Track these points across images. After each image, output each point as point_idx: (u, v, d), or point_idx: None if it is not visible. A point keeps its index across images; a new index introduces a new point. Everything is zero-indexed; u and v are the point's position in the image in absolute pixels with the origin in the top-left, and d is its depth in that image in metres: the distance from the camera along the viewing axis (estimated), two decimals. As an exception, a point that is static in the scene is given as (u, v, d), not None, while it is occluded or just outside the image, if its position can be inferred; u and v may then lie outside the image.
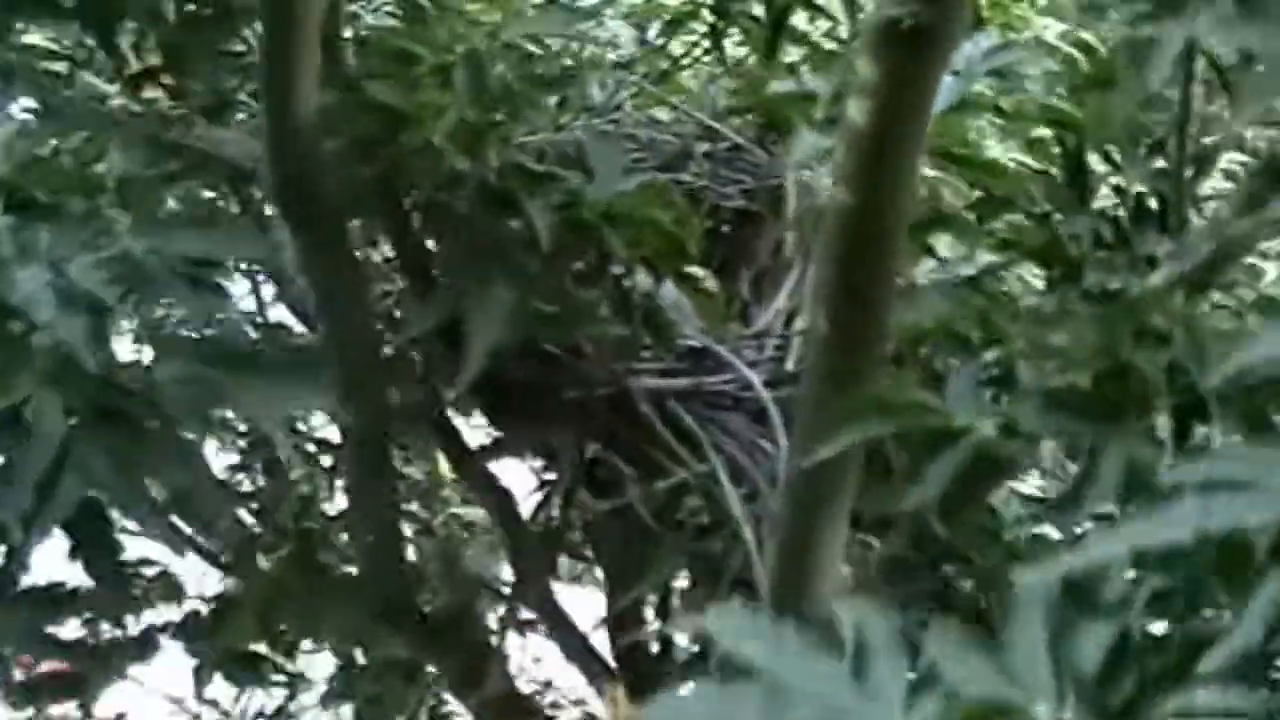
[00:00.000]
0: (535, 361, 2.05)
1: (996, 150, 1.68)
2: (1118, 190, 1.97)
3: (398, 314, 2.33)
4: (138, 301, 1.52)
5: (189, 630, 2.25)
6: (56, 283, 1.45)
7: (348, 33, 2.19)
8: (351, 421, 2.08)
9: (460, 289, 1.87)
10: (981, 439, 1.42)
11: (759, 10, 2.60)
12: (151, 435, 1.52)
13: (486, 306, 1.82)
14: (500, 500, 2.44)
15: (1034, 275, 2.00)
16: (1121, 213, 1.91)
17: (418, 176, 1.98)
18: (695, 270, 2.04)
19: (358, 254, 2.22)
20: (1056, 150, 1.90)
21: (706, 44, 2.69)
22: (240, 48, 2.22)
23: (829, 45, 2.63)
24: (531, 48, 2.24)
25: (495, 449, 2.42)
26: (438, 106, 1.90)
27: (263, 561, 2.22)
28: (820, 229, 1.54)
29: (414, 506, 3.15)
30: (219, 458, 2.44)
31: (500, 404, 2.23)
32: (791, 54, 2.66)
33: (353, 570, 2.37)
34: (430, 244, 2.20)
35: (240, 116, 2.32)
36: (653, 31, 2.83)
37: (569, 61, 2.45)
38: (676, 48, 2.83)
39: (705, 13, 2.69)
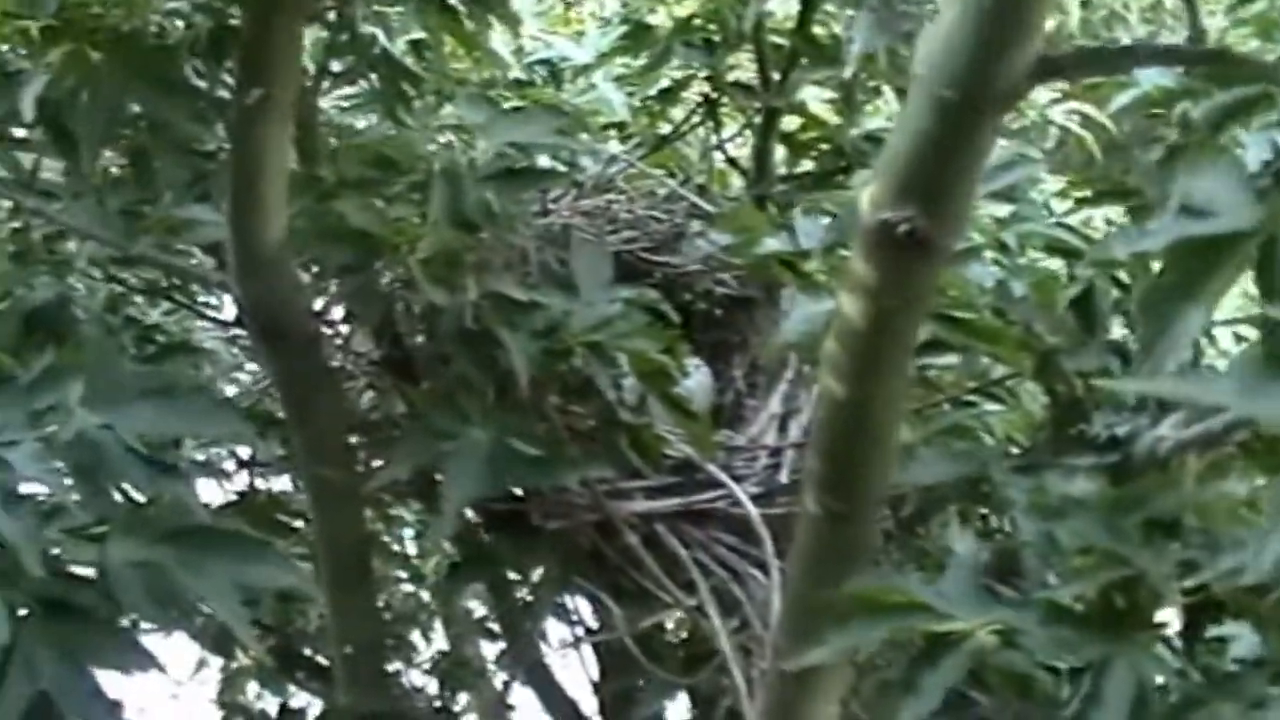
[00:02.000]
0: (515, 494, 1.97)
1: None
2: (1127, 315, 1.88)
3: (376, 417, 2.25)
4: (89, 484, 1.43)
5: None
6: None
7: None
8: (325, 546, 2.01)
9: (435, 430, 1.78)
10: (981, 646, 1.34)
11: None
12: (103, 625, 1.44)
13: (462, 454, 1.73)
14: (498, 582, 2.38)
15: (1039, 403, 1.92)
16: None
17: (394, 302, 1.89)
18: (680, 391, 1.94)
19: (333, 364, 2.14)
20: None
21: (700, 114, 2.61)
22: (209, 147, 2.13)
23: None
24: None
25: (493, 559, 2.33)
26: (414, 233, 1.81)
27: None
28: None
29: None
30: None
31: (487, 520, 2.15)
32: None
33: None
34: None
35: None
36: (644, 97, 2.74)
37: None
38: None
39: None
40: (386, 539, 3.02)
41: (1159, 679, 1.30)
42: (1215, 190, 1.03)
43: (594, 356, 1.86)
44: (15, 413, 1.45)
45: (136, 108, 1.93)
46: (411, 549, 3.28)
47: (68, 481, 1.43)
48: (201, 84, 1.96)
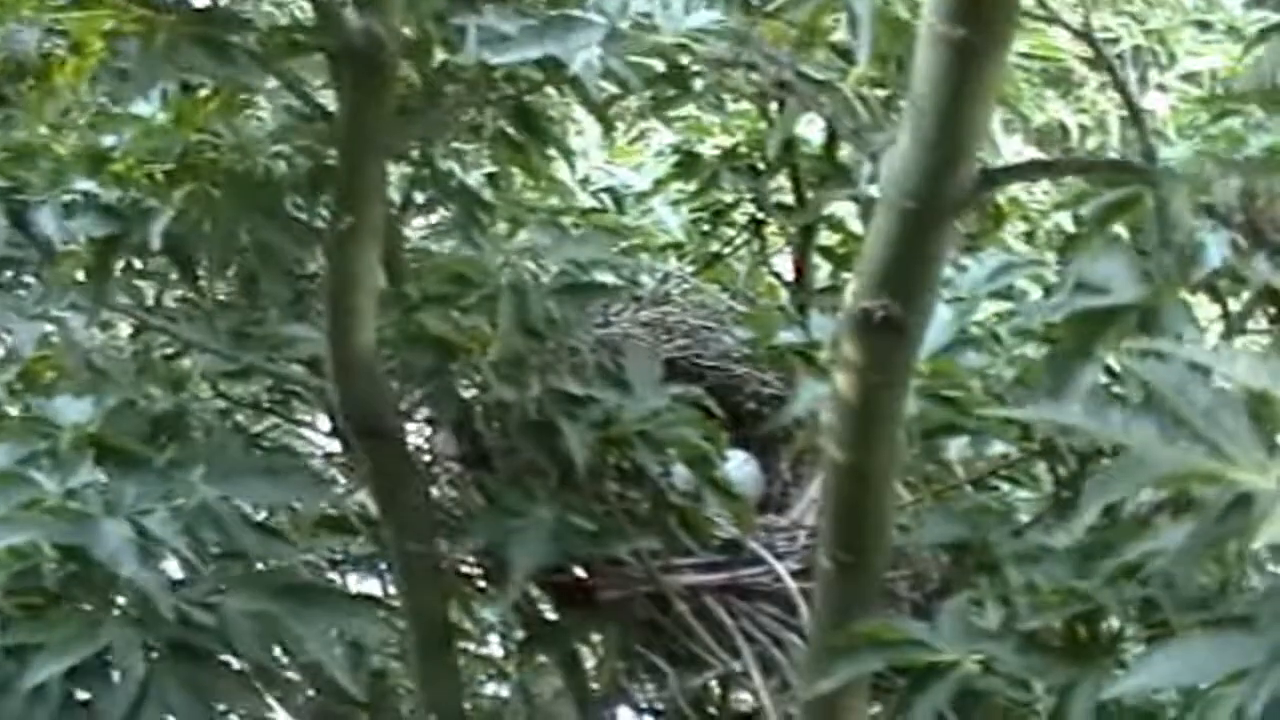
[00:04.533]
0: (581, 562, 2.22)
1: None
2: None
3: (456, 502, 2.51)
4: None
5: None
6: (137, 537, 1.65)
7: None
8: (412, 616, 2.26)
9: (506, 509, 2.04)
10: (965, 674, 1.56)
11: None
12: (223, 665, 1.70)
13: (529, 529, 1.99)
14: (567, 660, 2.60)
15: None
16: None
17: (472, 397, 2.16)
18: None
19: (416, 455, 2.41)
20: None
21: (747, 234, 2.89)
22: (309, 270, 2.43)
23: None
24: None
25: (561, 630, 2.57)
26: (485, 338, 2.09)
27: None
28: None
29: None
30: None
31: (555, 594, 2.39)
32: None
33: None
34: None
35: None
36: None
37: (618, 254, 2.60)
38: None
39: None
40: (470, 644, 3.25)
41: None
42: (1110, 271, 1.28)
43: (644, 444, 2.12)
44: (151, 489, 1.73)
45: (246, 238, 2.25)
46: (496, 651, 3.51)
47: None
48: (302, 215, 2.26)
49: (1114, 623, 1.57)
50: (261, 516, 1.90)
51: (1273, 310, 1.25)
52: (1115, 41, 5.06)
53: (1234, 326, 1.32)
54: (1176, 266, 1.21)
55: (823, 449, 1.63)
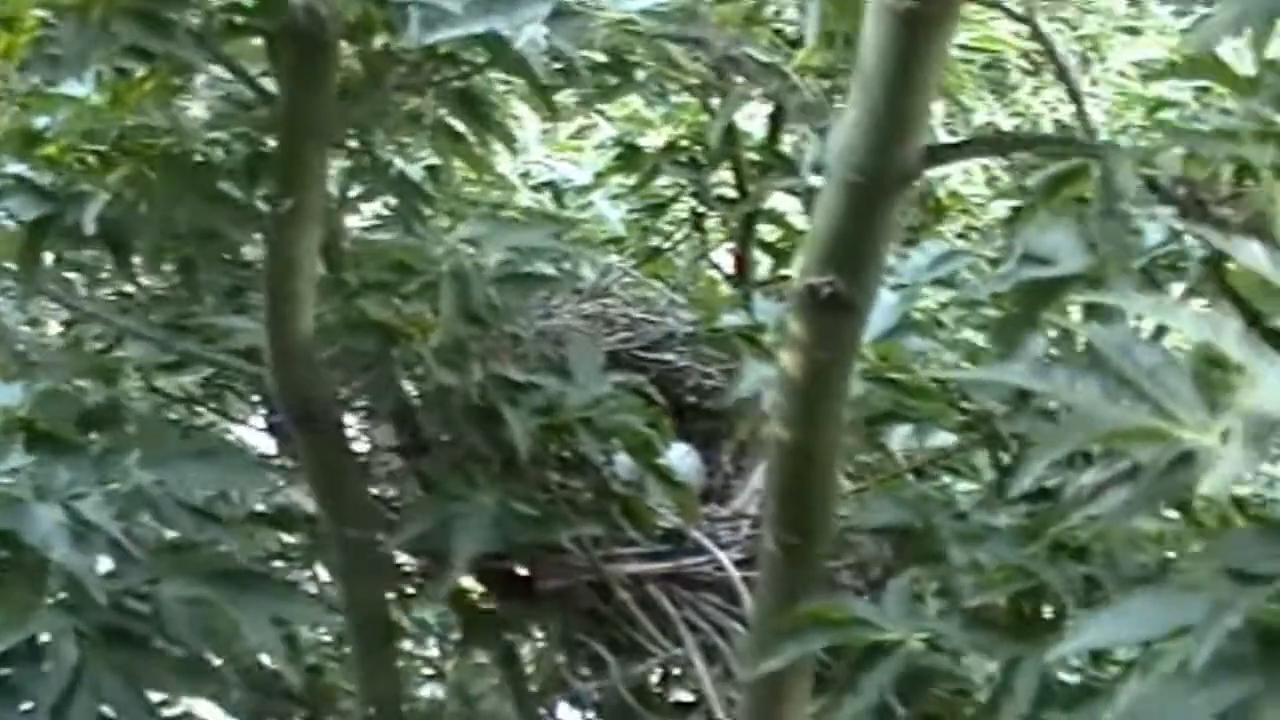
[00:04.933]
0: (522, 553, 2.20)
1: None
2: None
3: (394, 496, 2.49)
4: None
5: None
6: (70, 521, 1.61)
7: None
8: (352, 610, 2.23)
9: (448, 494, 2.02)
10: (911, 651, 1.56)
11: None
12: (158, 652, 1.67)
13: (471, 514, 1.97)
14: (505, 655, 2.58)
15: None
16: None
17: (410, 385, 2.14)
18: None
19: (356, 445, 2.39)
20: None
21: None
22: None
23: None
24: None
25: (500, 622, 2.55)
26: (426, 324, 2.07)
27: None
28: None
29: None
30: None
31: (494, 586, 2.37)
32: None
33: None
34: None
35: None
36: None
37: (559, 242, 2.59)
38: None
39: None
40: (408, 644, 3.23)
41: (1061, 674, 1.51)
42: (1057, 243, 1.28)
43: (587, 432, 2.11)
44: (83, 474, 1.70)
45: (183, 225, 2.21)
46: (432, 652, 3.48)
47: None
48: (240, 200, 2.23)
49: (1059, 600, 1.57)
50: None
51: (1216, 284, 1.26)
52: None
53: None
54: (1122, 238, 1.22)
55: (768, 430, 1.63)
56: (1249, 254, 1.00)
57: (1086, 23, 5.67)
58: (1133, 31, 5.44)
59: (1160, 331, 1.40)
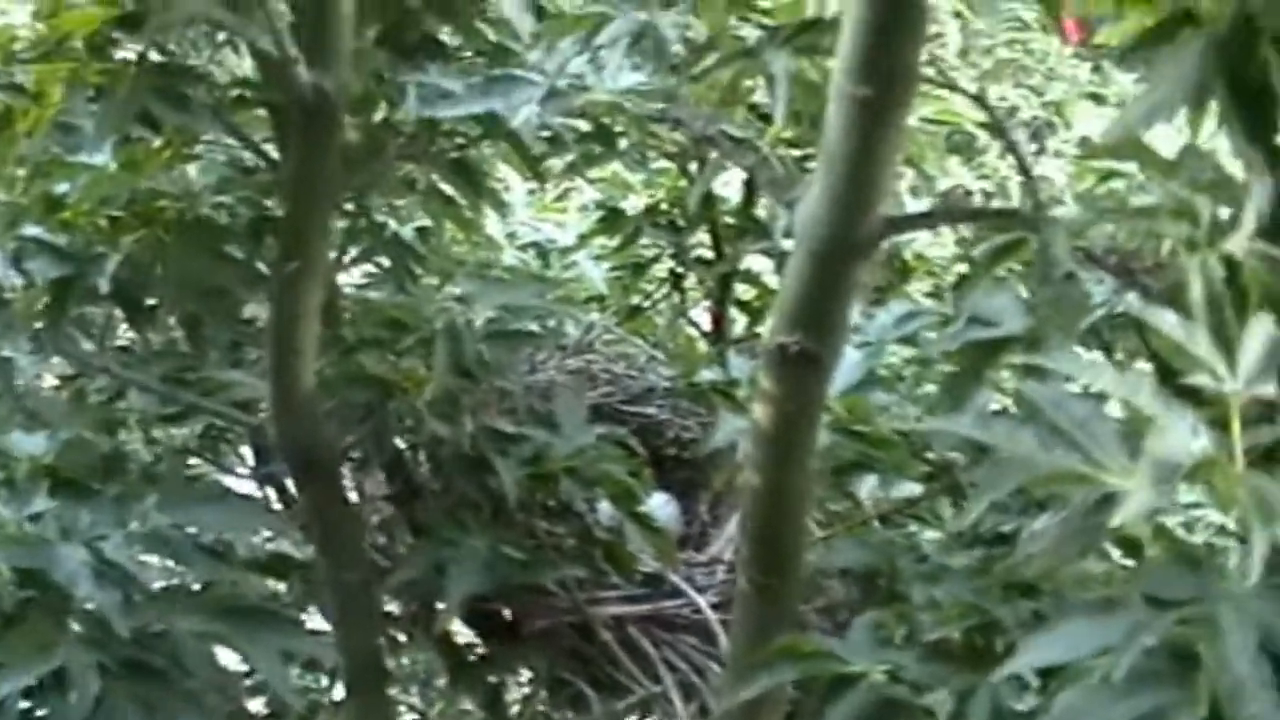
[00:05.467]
0: (509, 596, 2.32)
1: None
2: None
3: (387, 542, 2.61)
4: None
5: None
6: (93, 560, 1.73)
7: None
8: (347, 654, 2.35)
9: (441, 539, 2.14)
10: (874, 683, 1.69)
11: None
12: (175, 684, 1.79)
13: (463, 558, 2.09)
14: (490, 698, 2.69)
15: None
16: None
17: (405, 436, 2.27)
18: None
19: (353, 494, 2.51)
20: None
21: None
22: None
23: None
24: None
25: (487, 664, 2.67)
26: (420, 378, 2.20)
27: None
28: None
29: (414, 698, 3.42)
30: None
31: (481, 628, 2.50)
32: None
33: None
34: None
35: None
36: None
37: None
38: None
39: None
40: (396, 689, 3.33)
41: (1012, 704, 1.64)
42: (1000, 306, 1.43)
43: (572, 481, 2.24)
44: (104, 516, 1.82)
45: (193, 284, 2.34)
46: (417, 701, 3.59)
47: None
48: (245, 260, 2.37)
49: (1009, 634, 1.71)
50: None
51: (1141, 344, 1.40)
52: (1015, 111, 5.33)
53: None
54: (1066, 300, 1.36)
55: (743, 478, 1.76)
56: (1163, 320, 1.14)
57: (1051, 89, 5.87)
58: (1096, 99, 5.63)
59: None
